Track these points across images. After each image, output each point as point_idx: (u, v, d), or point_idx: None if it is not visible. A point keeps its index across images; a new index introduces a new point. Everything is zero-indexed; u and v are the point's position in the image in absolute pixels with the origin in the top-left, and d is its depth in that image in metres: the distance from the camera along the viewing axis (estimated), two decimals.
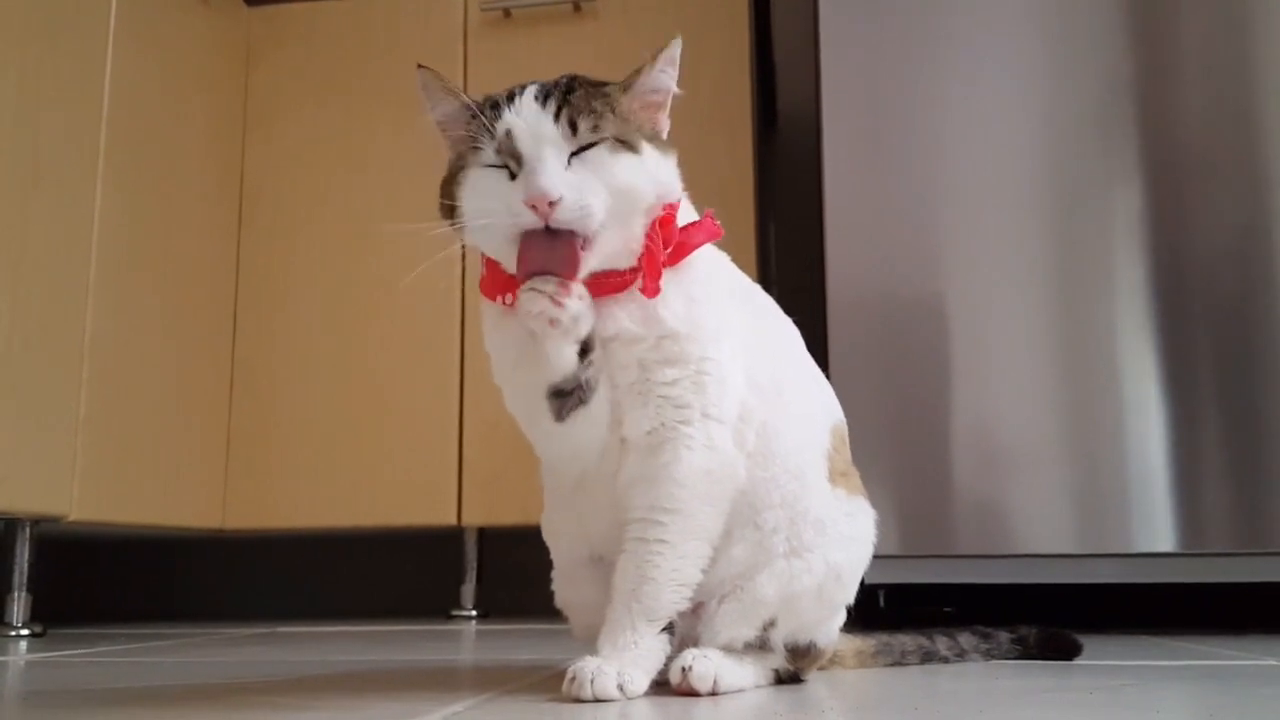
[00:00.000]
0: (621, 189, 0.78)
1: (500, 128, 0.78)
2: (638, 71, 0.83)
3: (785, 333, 0.94)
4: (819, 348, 1.49)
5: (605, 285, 0.80)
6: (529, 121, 0.77)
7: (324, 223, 2.11)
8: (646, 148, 0.80)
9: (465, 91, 0.83)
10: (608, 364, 0.81)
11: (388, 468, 2.00)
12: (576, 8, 2.06)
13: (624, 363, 0.81)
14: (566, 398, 0.81)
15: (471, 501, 1.97)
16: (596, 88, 0.81)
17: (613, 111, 0.80)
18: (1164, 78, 1.53)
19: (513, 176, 0.77)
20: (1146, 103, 1.52)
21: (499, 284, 0.82)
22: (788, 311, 0.96)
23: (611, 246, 0.79)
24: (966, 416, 1.49)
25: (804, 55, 1.75)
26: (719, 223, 0.86)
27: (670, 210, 0.82)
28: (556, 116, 0.77)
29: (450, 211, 0.81)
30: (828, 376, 0.97)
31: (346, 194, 2.11)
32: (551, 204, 0.74)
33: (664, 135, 0.84)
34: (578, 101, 0.78)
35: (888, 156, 1.57)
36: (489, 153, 0.78)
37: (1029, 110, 1.54)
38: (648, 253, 0.80)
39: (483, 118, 0.78)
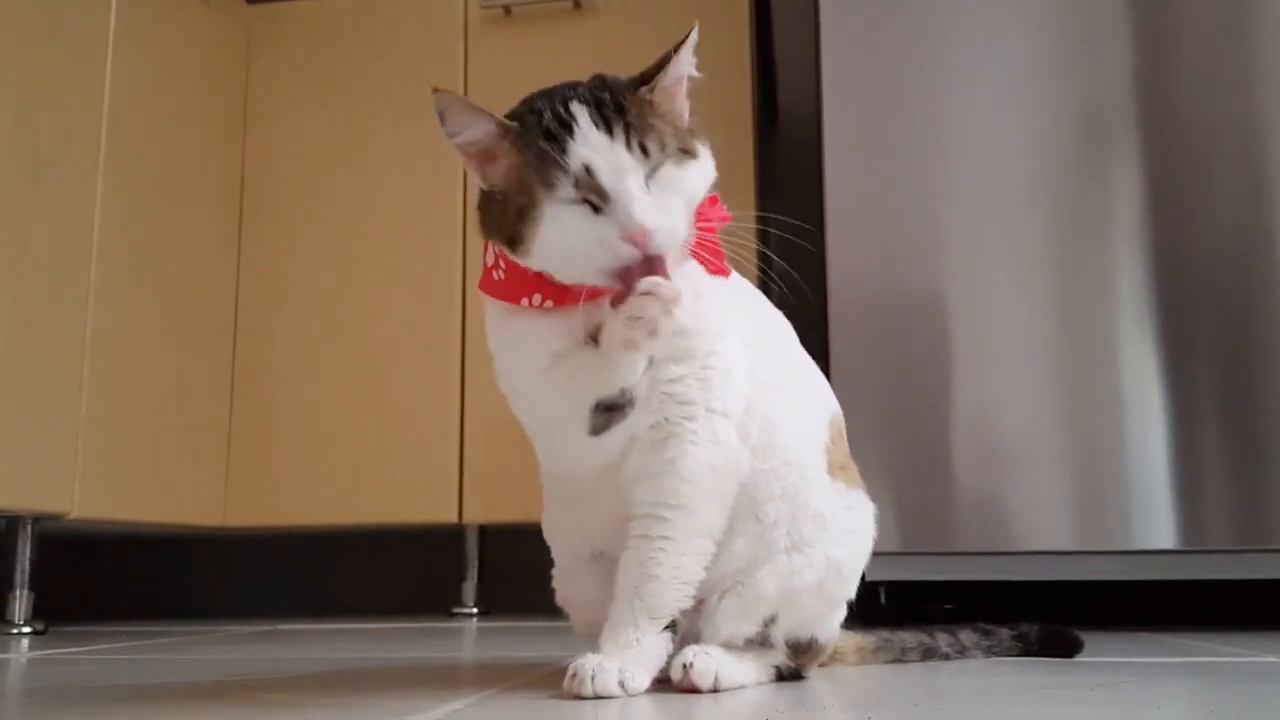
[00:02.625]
0: (693, 197, 0.79)
1: (574, 162, 0.75)
2: (663, 64, 0.82)
3: (779, 327, 0.94)
4: (819, 346, 1.49)
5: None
6: (604, 154, 0.75)
7: (324, 221, 2.11)
8: (699, 148, 0.81)
9: (466, 93, 0.83)
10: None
11: (388, 465, 2.00)
12: (577, 5, 2.06)
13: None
14: (613, 411, 0.81)
15: (472, 499, 1.97)
16: (637, 96, 0.80)
17: (662, 119, 0.79)
18: (1164, 76, 1.53)
19: (595, 210, 0.75)
20: (1146, 101, 1.52)
21: (527, 284, 0.81)
22: (787, 310, 0.96)
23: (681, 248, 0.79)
24: (967, 414, 1.49)
25: (804, 54, 1.75)
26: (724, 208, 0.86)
27: (713, 199, 0.82)
28: (628, 144, 0.76)
29: (513, 243, 0.78)
30: (828, 375, 0.98)
31: (347, 192, 2.11)
32: (648, 236, 0.74)
33: (687, 118, 0.83)
34: (637, 122, 0.77)
35: (888, 155, 1.57)
36: (566, 189, 0.75)
37: (1029, 109, 1.54)
38: (703, 237, 0.80)
39: (551, 151, 0.76)
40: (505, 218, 0.78)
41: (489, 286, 0.84)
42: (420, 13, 2.14)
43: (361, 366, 2.04)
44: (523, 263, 0.79)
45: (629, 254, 0.75)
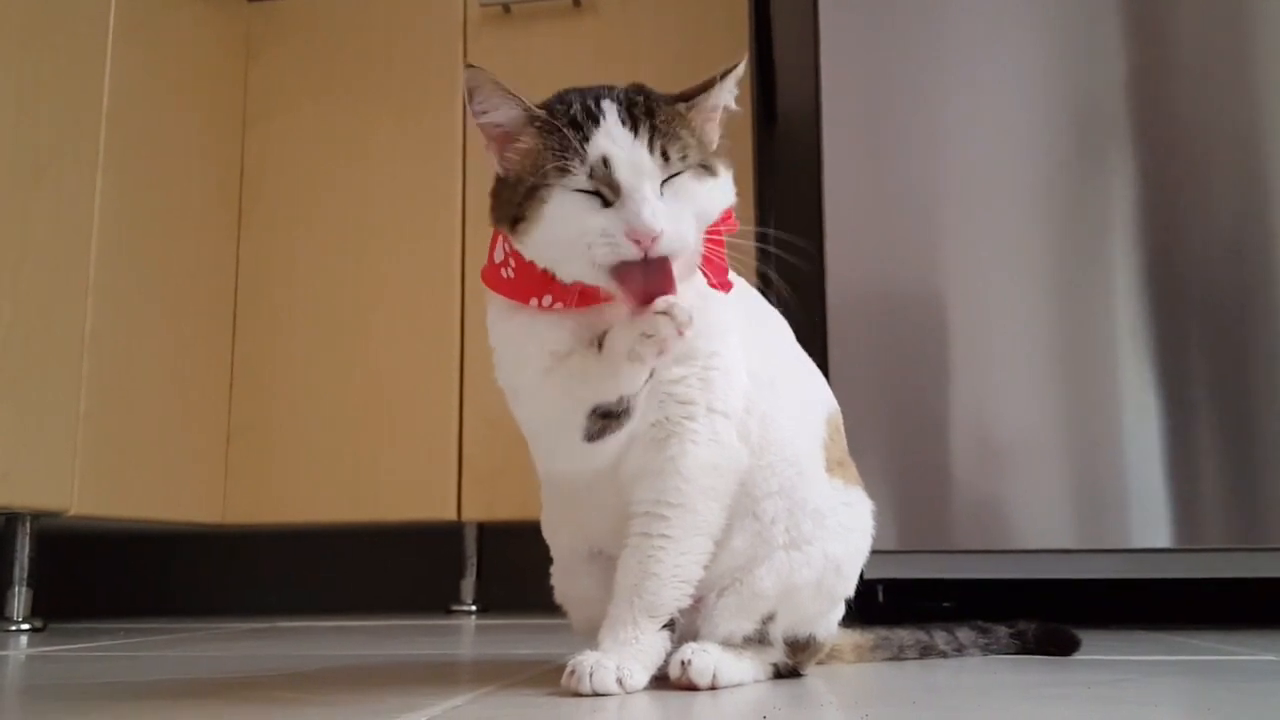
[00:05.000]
0: (706, 214, 0.79)
1: (593, 152, 0.76)
2: (706, 87, 0.82)
3: (776, 324, 0.94)
4: (819, 345, 1.50)
5: None
6: (625, 150, 0.76)
7: (324, 218, 2.11)
8: (721, 169, 0.81)
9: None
10: None
11: (387, 463, 2.00)
12: (576, 4, 2.06)
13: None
14: (609, 419, 0.81)
15: (471, 497, 1.97)
16: (671, 107, 0.80)
17: (690, 132, 0.80)
18: (1163, 75, 1.53)
19: (605, 203, 0.76)
20: (1145, 100, 1.52)
21: (534, 284, 0.80)
22: (787, 309, 0.96)
23: (690, 260, 0.79)
24: (965, 413, 1.50)
25: (804, 53, 1.75)
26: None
27: (727, 213, 0.83)
28: (650, 146, 0.76)
29: (515, 223, 0.79)
30: (827, 374, 0.98)
31: (346, 189, 2.11)
32: (654, 239, 0.74)
33: (715, 144, 0.84)
34: (664, 127, 0.77)
35: (887, 155, 1.57)
36: (580, 177, 0.76)
37: (1028, 108, 1.54)
38: (710, 253, 0.80)
39: (572, 138, 0.76)
40: (513, 199, 0.79)
41: (496, 283, 0.84)
42: (420, 11, 2.14)
43: (360, 364, 2.04)
44: (522, 249, 0.79)
45: (630, 251, 0.75)
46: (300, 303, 2.09)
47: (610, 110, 0.77)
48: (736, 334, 0.85)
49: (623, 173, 0.75)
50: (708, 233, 0.80)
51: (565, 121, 0.78)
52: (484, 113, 0.80)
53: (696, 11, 2.01)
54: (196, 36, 2.04)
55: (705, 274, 0.81)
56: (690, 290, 0.82)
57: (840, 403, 0.96)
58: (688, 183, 0.78)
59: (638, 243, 0.74)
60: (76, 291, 1.69)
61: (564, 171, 0.76)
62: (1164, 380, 1.45)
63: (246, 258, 2.13)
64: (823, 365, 0.98)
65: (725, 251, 0.82)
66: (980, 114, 1.55)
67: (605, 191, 0.76)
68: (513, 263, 0.82)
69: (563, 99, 0.80)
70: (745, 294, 0.92)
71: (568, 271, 0.78)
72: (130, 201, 1.81)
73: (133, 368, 1.80)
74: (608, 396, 0.80)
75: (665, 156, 0.77)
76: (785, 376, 0.90)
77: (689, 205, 0.77)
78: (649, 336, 0.76)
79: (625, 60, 2.00)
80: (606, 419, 0.81)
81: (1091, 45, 1.54)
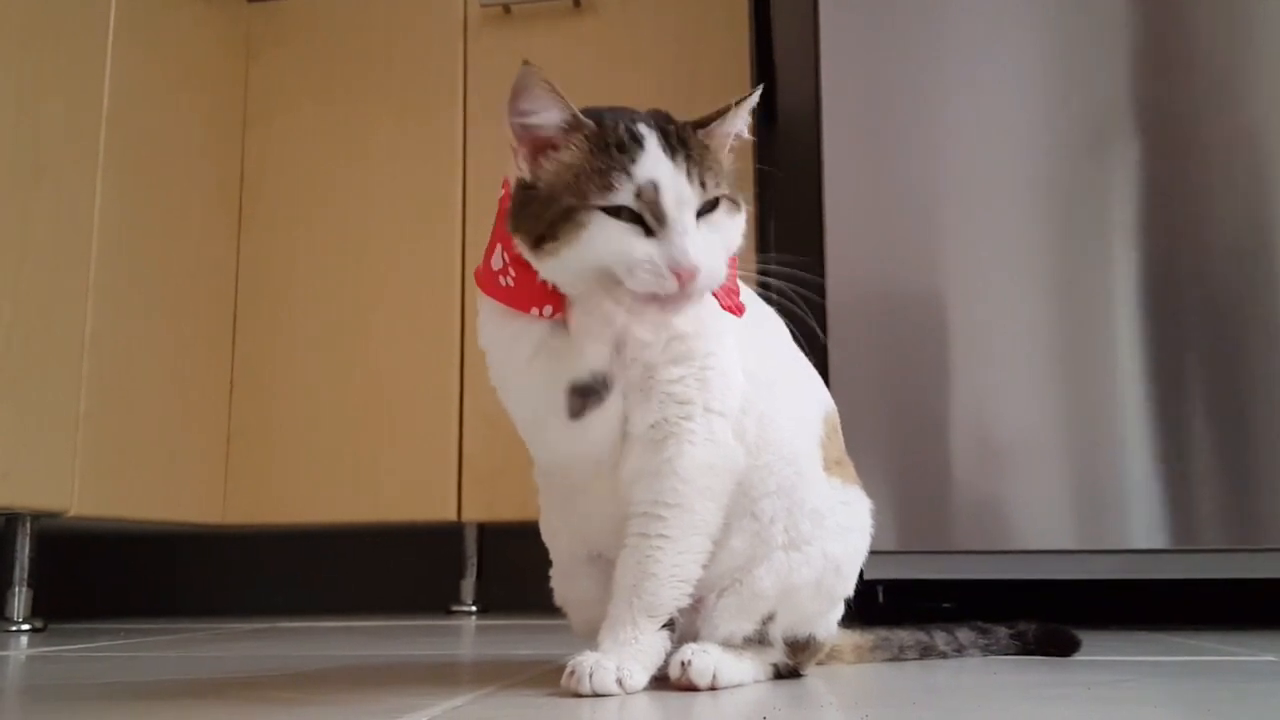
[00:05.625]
0: (732, 248, 0.80)
1: (641, 174, 0.75)
2: (721, 115, 0.81)
3: (772, 325, 0.94)
4: (819, 345, 1.50)
5: None
6: (669, 178, 0.75)
7: (324, 218, 2.11)
8: (741, 202, 0.81)
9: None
10: (616, 364, 0.82)
11: (388, 463, 2.00)
12: (576, 5, 2.06)
13: (629, 363, 0.82)
14: (588, 395, 0.81)
15: (471, 497, 1.97)
16: (694, 133, 0.80)
17: (718, 163, 0.80)
18: (1163, 75, 1.53)
19: (647, 231, 0.75)
20: (1146, 100, 1.52)
21: (535, 295, 0.80)
22: (785, 309, 0.96)
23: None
24: (965, 413, 1.50)
25: (804, 53, 1.75)
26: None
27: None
28: (689, 176, 0.76)
29: (541, 240, 0.77)
30: (827, 374, 0.98)
31: (347, 189, 2.11)
32: (693, 275, 0.74)
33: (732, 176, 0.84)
34: (698, 157, 0.77)
35: (888, 155, 1.57)
36: (625, 195, 0.74)
37: (1028, 108, 1.54)
38: (727, 294, 0.81)
39: (620, 159, 0.75)
40: (543, 215, 0.77)
41: (492, 289, 0.83)
42: (420, 11, 2.14)
43: (361, 364, 2.04)
44: (540, 265, 0.78)
45: (670, 287, 0.74)
46: (300, 303, 2.09)
47: (650, 136, 0.77)
48: (733, 335, 0.85)
49: (668, 200, 0.75)
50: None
51: (613, 141, 0.76)
52: (527, 113, 0.78)
53: (697, 12, 2.01)
54: (197, 37, 2.04)
55: (717, 297, 0.82)
56: None
57: (840, 403, 0.96)
58: (720, 217, 0.78)
59: (679, 277, 0.73)
60: (77, 291, 1.69)
61: (608, 192, 0.74)
62: (1164, 381, 1.45)
63: (247, 258, 2.13)
64: (823, 365, 0.98)
65: (736, 274, 0.83)
66: (980, 114, 1.55)
67: (650, 220, 0.75)
68: (513, 272, 0.81)
69: (599, 117, 0.79)
70: (742, 294, 0.92)
71: (587, 291, 0.78)
72: (130, 202, 1.81)
73: (133, 368, 1.80)
74: (579, 373, 0.81)
75: (703, 185, 0.77)
76: (782, 376, 0.90)
77: (720, 240, 0.78)
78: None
79: (626, 61, 2.00)
80: (585, 396, 0.81)
81: (1093, 44, 1.54)
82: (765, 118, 2.26)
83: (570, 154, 0.78)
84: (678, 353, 0.81)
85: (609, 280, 0.76)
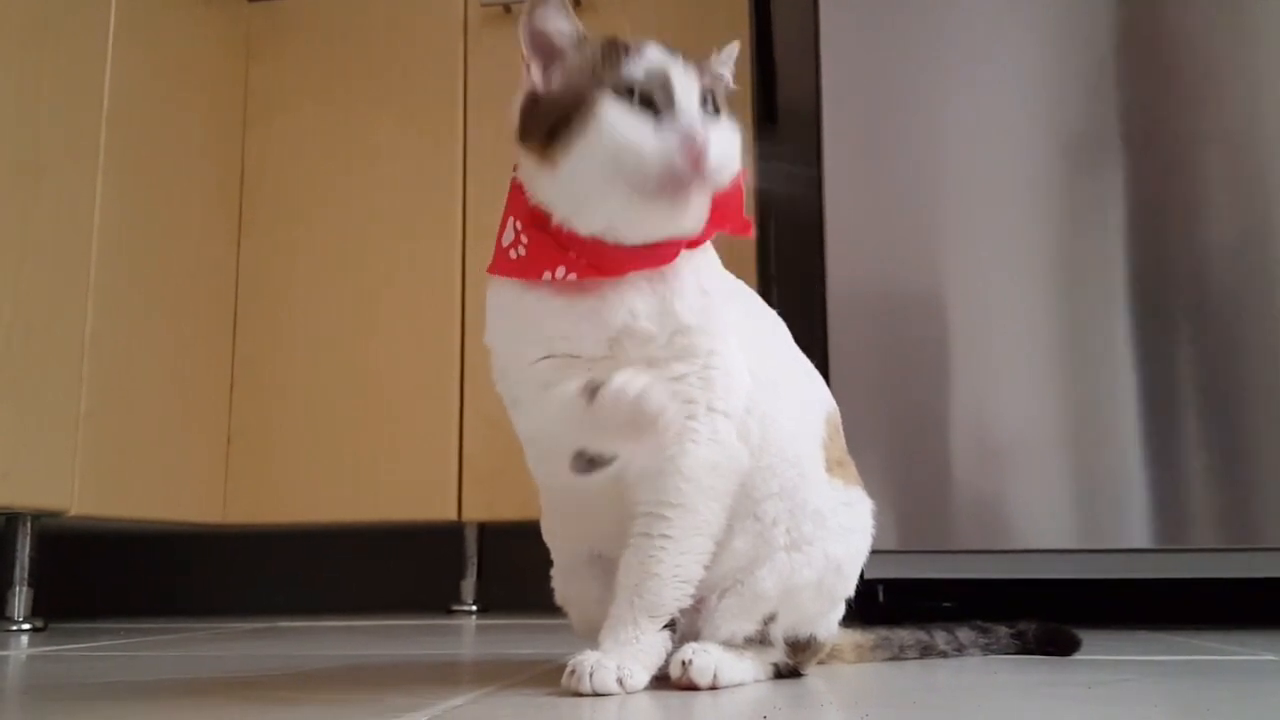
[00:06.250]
0: (738, 157, 0.80)
1: (652, 62, 0.77)
2: (705, 56, 0.84)
3: (773, 325, 0.94)
4: (819, 345, 1.50)
5: (654, 256, 0.80)
6: (678, 70, 0.77)
7: (324, 219, 2.11)
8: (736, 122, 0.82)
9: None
10: (621, 360, 0.80)
11: (388, 463, 2.00)
12: (577, 3, 2.06)
13: (635, 359, 0.81)
14: (597, 464, 0.81)
15: (472, 497, 1.97)
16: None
17: (715, 77, 0.82)
18: (1164, 76, 1.53)
19: (655, 116, 0.76)
20: (1146, 102, 1.52)
21: (550, 256, 0.79)
22: (787, 310, 0.96)
23: (706, 202, 0.79)
24: (966, 413, 1.50)
25: (804, 53, 1.75)
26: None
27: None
28: (690, 71, 0.78)
29: (552, 137, 0.77)
30: (827, 374, 0.98)
31: (347, 191, 2.11)
32: (703, 152, 0.74)
33: None
34: (697, 62, 0.80)
35: (888, 155, 1.57)
36: (638, 73, 0.76)
37: (1029, 109, 1.54)
38: (714, 218, 0.81)
39: (629, 53, 0.78)
40: (554, 110, 0.78)
41: (504, 267, 0.82)
42: (420, 11, 2.14)
43: (361, 364, 2.05)
44: (549, 173, 0.78)
45: (682, 166, 0.74)
46: (300, 302, 2.09)
47: (653, 43, 0.80)
48: (736, 334, 0.85)
49: (676, 81, 0.77)
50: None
51: (620, 46, 0.80)
52: (544, 20, 0.81)
53: (697, 11, 2.01)
54: (197, 37, 2.04)
55: (725, 216, 0.81)
56: (695, 287, 0.82)
57: (840, 403, 0.96)
58: (725, 121, 0.79)
59: (691, 155, 0.74)
60: (77, 292, 1.69)
61: (617, 78, 0.76)
62: (1164, 380, 1.45)
63: (247, 258, 2.13)
64: (823, 365, 0.98)
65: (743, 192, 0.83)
66: (980, 114, 1.55)
67: (658, 97, 0.76)
68: (525, 239, 0.81)
69: (609, 37, 0.82)
70: (743, 294, 0.92)
71: (600, 195, 0.77)
72: (131, 202, 1.81)
73: (133, 368, 1.80)
74: (590, 446, 0.80)
75: (701, 77, 0.79)
76: (784, 377, 0.90)
77: (728, 136, 0.78)
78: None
79: None
80: (592, 463, 0.81)
81: (1094, 44, 1.54)
82: (766, 118, 2.26)
83: (581, 57, 0.81)
84: (681, 348, 0.81)
85: (618, 179, 0.75)
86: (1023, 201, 1.52)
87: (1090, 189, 1.51)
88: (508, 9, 2.09)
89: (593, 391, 0.78)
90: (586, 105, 0.76)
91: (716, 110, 0.80)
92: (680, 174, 0.74)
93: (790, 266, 2.21)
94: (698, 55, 0.83)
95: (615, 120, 0.76)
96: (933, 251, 1.54)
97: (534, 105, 0.81)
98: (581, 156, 0.76)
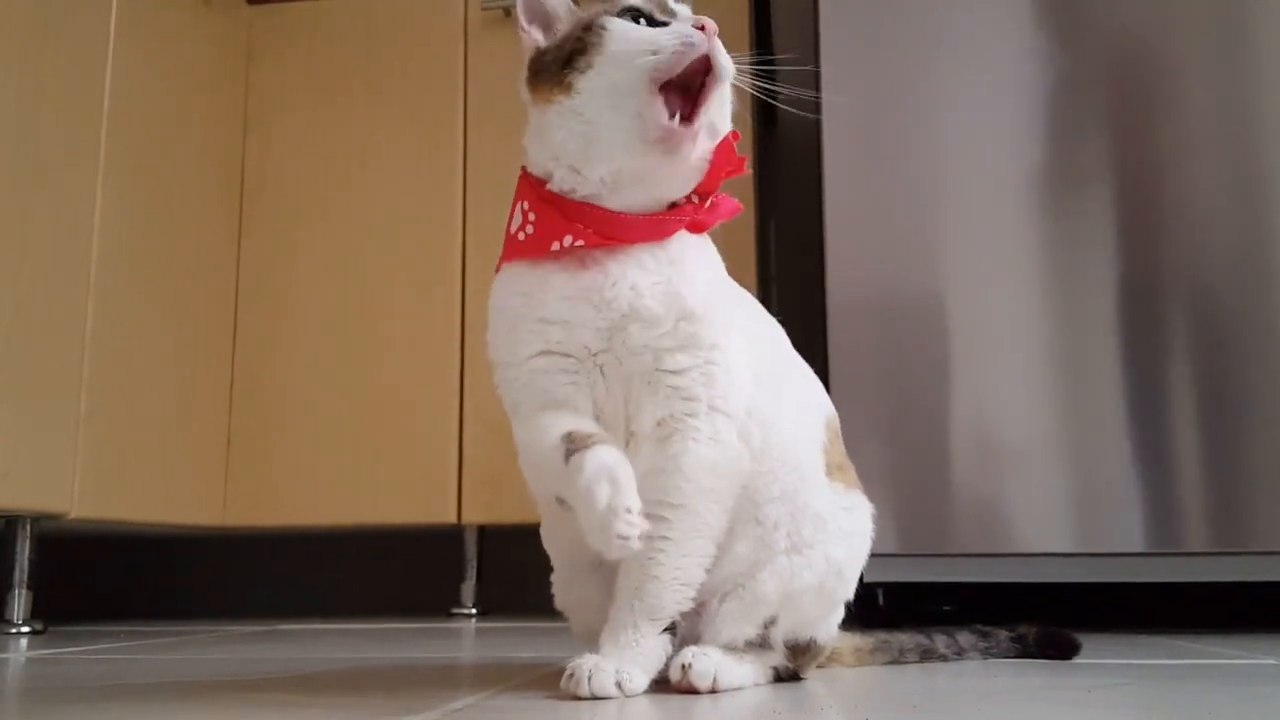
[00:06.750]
0: (726, 104, 0.83)
1: None
2: None
3: (774, 330, 0.94)
4: (819, 347, 1.50)
5: (658, 227, 0.82)
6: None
7: (324, 221, 2.11)
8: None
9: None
10: (622, 352, 0.81)
11: (388, 465, 2.00)
12: (576, 3, 2.05)
13: (637, 348, 0.81)
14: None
15: (472, 500, 1.97)
16: None
17: None
18: (1165, 78, 1.53)
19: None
20: (1146, 103, 1.52)
21: (559, 227, 0.81)
22: (788, 311, 0.96)
23: (706, 149, 0.81)
24: (965, 415, 1.49)
25: (804, 54, 1.75)
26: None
27: (732, 136, 0.85)
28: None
29: (567, 67, 0.81)
30: (827, 376, 0.98)
31: (347, 192, 2.11)
32: (710, 30, 0.79)
33: None
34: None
35: (888, 156, 1.57)
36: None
37: (1029, 110, 1.54)
38: (714, 166, 0.83)
39: None
40: (565, 47, 0.82)
41: (513, 250, 0.84)
42: (420, 13, 2.14)
43: (361, 366, 2.04)
44: (564, 107, 0.81)
45: (698, 39, 0.78)
46: (301, 305, 2.09)
47: None
48: (740, 334, 0.85)
49: (675, 6, 0.82)
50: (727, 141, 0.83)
51: None
52: None
53: (697, 13, 2.01)
54: (198, 39, 2.04)
55: (719, 164, 0.83)
56: (701, 274, 0.83)
57: (840, 405, 0.96)
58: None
59: (700, 39, 0.78)
60: (77, 293, 1.69)
61: (619, 4, 0.82)
62: (1168, 382, 1.45)
63: (247, 260, 2.13)
64: (822, 367, 0.98)
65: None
66: (982, 115, 1.55)
67: (660, 16, 0.81)
68: (533, 216, 0.83)
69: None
70: (743, 299, 0.92)
71: (614, 120, 0.80)
72: (131, 203, 1.81)
73: (133, 370, 1.80)
74: (565, 496, 0.80)
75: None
76: (785, 380, 0.90)
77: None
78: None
79: None
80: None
81: (1095, 46, 1.54)
82: (766, 118, 2.26)
83: (579, 13, 0.85)
84: (685, 335, 0.81)
85: (638, 76, 0.79)
86: (1024, 201, 1.52)
87: (1090, 191, 1.51)
88: (508, 12, 2.08)
89: (569, 453, 0.78)
90: (598, 26, 0.81)
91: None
92: (695, 46, 0.78)
93: (790, 268, 2.21)
94: None
95: (626, 32, 0.80)
96: (933, 252, 1.54)
97: (541, 55, 0.85)
98: (600, 70, 0.81)
